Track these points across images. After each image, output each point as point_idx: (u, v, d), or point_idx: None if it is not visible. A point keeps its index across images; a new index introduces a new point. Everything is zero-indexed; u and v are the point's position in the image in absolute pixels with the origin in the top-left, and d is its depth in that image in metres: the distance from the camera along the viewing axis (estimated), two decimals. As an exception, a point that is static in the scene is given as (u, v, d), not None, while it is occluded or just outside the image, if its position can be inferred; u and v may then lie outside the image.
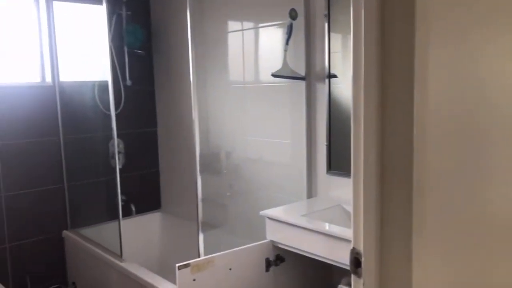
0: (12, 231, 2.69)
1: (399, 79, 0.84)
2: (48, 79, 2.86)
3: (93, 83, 2.98)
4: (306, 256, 1.86)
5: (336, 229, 1.75)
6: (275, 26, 2.43)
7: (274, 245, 1.99)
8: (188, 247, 3.00)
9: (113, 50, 3.00)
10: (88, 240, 2.72)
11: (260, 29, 2.53)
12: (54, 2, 2.82)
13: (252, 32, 2.59)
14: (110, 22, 2.98)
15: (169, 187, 3.32)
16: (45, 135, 2.80)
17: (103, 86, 2.97)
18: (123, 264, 2.35)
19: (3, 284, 2.57)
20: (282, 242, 1.94)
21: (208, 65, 2.85)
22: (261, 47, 2.55)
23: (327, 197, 2.22)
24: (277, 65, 2.32)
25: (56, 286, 2.88)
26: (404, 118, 0.83)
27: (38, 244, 2.80)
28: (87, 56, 2.99)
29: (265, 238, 2.01)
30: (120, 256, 2.40)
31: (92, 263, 2.64)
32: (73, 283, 2.88)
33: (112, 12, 2.96)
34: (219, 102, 2.81)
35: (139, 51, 3.07)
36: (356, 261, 0.90)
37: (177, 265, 1.74)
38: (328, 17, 2.13)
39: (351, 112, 0.89)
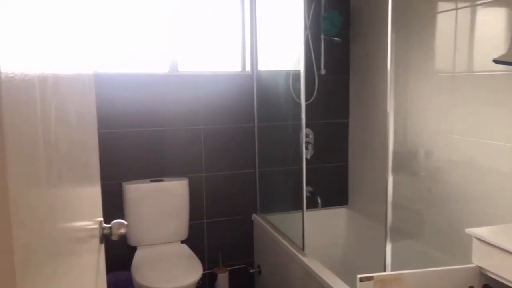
0: (209, 208, 2.92)
1: None
2: (248, 68, 2.98)
3: (287, 72, 2.98)
4: (526, 294, 1.45)
5: None
6: (496, 3, 1.96)
7: (481, 272, 1.62)
8: (374, 252, 2.77)
9: (309, 38, 2.94)
10: (274, 227, 2.76)
11: (478, 7, 2.09)
12: (257, -6, 2.91)
13: (467, 11, 2.16)
14: (308, 10, 2.92)
15: (358, 183, 3.13)
16: (242, 121, 2.94)
17: (297, 75, 2.94)
18: (304, 259, 2.29)
19: (200, 259, 2.83)
20: (494, 271, 1.56)
21: (410, 52, 2.52)
22: (478, 28, 2.11)
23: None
24: (497, 50, 1.88)
25: (243, 266, 3.04)
26: None
27: (230, 224, 2.98)
28: (283, 45, 3.00)
29: (470, 262, 1.65)
30: (302, 250, 2.35)
31: (276, 251, 2.67)
32: (258, 266, 2.98)
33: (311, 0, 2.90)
34: (420, 93, 2.47)
35: (335, 38, 2.94)
36: None
37: (358, 276, 1.56)
38: None
39: None
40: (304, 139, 2.58)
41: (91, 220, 1.02)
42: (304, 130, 2.50)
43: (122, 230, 1.12)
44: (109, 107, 2.64)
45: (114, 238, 1.12)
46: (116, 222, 1.13)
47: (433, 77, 2.39)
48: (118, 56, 2.73)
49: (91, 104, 1.08)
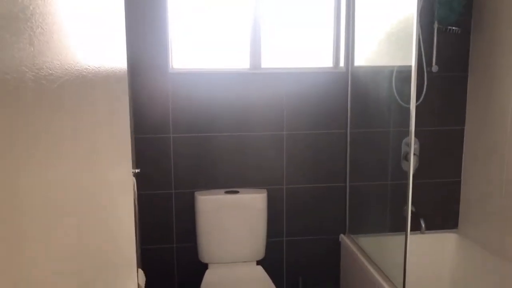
0: (290, 225, 2.56)
1: None
2: (342, 63, 2.54)
3: (391, 69, 2.49)
4: None
5: None
6: None
7: None
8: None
9: (419, 27, 2.41)
10: (364, 254, 2.32)
11: None
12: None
13: None
14: (419, -7, 2.39)
15: (473, 204, 2.55)
16: (331, 126, 2.51)
17: (402, 72, 2.44)
18: (404, 307, 1.84)
19: (278, 283, 2.49)
20: None
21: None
22: None
23: None
24: None
25: (327, 292, 2.65)
26: None
27: (313, 244, 2.59)
28: (387, 36, 2.51)
29: None
30: (402, 292, 1.89)
31: (367, 284, 2.23)
32: (345, 295, 2.57)
33: (424, -20, 2.36)
34: None
35: (453, 27, 2.37)
36: None
37: None
38: None
39: None
40: (412, 150, 2.08)
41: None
42: (413, 139, 2.01)
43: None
44: (183, 108, 2.38)
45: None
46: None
47: None
48: (193, 51, 2.45)
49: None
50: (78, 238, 0.52)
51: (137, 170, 1.60)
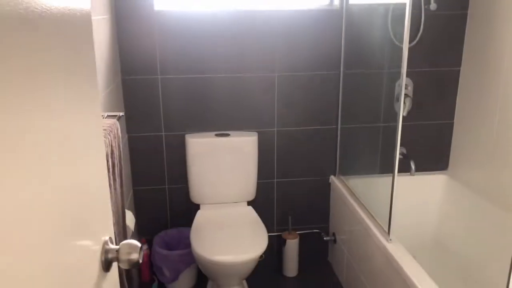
0: (281, 167, 2.58)
1: None
2: (336, 1, 2.43)
3: (386, 7, 2.38)
4: None
5: None
6: None
7: None
8: (480, 235, 2.28)
9: (419, -39, 2.29)
10: (353, 195, 2.36)
11: None
12: None
13: None
14: None
15: (464, 146, 2.55)
16: (324, 67, 2.45)
17: (399, 10, 2.34)
18: (388, 247, 1.89)
19: (268, 222, 2.55)
20: None
21: None
22: None
23: None
24: None
25: (316, 230, 2.72)
26: None
27: (304, 185, 2.63)
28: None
29: None
30: (387, 233, 1.94)
31: (355, 224, 2.29)
32: (333, 234, 2.64)
33: None
34: None
35: (455, -39, 2.24)
36: None
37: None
38: None
39: None
40: (403, 92, 2.04)
41: (90, 237, 0.72)
42: (404, 80, 1.97)
43: (134, 256, 0.81)
44: (170, 50, 2.31)
45: (122, 266, 0.81)
46: (126, 244, 0.81)
47: None
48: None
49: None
50: (39, 193, 0.50)
51: (121, 114, 1.58)
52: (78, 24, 0.71)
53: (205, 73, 2.36)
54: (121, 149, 1.52)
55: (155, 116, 2.39)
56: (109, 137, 1.36)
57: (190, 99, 2.39)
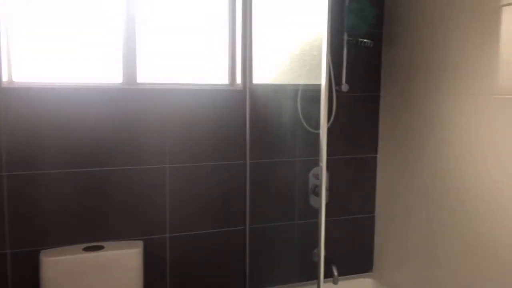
0: (174, 285, 2.00)
1: None
2: (239, 80, 2.08)
3: (295, 87, 2.09)
4: None
5: None
6: None
7: None
8: None
9: (329, 40, 2.05)
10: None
11: None
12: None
13: None
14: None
15: (388, 243, 2.22)
16: (226, 157, 2.02)
17: (308, 92, 2.06)
18: None
19: None
20: None
21: (462, 62, 1.64)
22: None
23: None
24: None
25: None
26: None
27: (206, 304, 2.06)
28: (290, 50, 2.11)
29: None
30: None
31: None
32: None
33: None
34: (473, 120, 1.57)
35: (365, 40, 2.04)
36: None
37: None
38: None
39: None
40: (324, 183, 1.63)
41: None
42: (324, 171, 1.56)
43: None
44: (27, 138, 1.73)
45: None
46: None
47: (490, 98, 1.51)
48: (43, 60, 1.81)
49: None
50: None
51: None
52: None
53: (73, 167, 1.80)
54: None
55: (-3, 227, 1.73)
56: None
57: (50, 201, 1.78)
